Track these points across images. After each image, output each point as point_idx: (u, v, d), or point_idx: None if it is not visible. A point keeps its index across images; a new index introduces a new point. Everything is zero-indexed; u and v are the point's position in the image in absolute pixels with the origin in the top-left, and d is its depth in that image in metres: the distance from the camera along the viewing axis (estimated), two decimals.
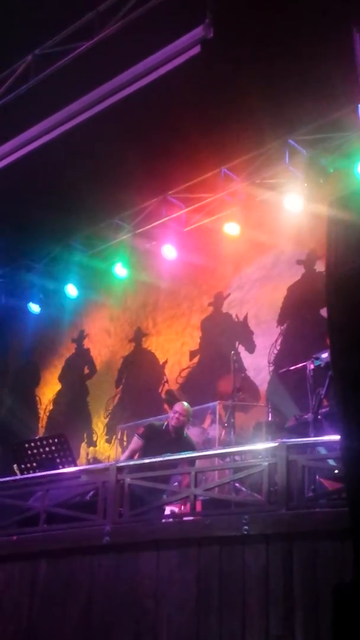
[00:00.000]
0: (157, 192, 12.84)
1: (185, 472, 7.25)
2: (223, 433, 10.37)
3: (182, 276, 13.85)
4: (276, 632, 5.55)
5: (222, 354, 12.18)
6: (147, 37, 8.60)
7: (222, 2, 8.15)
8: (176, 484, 8.51)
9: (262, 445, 7.23)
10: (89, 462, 13.87)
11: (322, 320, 10.36)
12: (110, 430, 14.19)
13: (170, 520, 7.45)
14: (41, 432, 15.40)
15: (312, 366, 8.29)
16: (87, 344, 15.54)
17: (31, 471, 8.60)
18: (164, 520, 7.20)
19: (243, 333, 12.59)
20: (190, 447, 9.00)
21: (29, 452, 8.71)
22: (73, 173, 11.18)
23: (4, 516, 7.91)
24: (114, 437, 13.78)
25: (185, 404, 9.29)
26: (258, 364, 12.19)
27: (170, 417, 9.14)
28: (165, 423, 9.18)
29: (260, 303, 12.56)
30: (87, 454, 14.36)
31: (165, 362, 13.83)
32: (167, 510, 8.01)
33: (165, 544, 6.41)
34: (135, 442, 9.12)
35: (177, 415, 9.04)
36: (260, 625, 5.63)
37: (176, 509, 7.94)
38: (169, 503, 7.76)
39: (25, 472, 8.62)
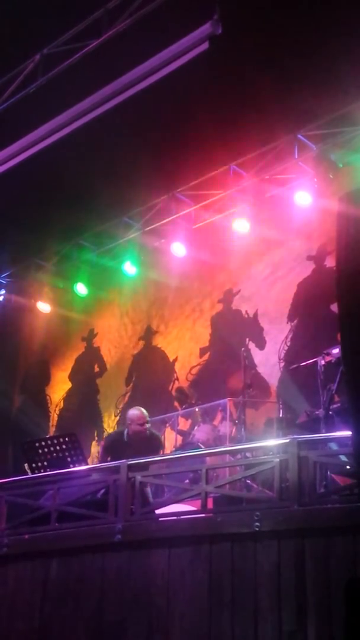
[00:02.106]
0: (166, 189, 12.85)
1: (196, 469, 7.22)
2: (234, 430, 10.37)
3: (192, 273, 13.84)
4: (289, 628, 5.53)
5: (233, 351, 12.17)
6: (155, 35, 8.59)
7: None
8: (187, 481, 8.50)
9: (273, 442, 7.21)
10: (100, 447, 13.87)
11: (333, 316, 10.33)
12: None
13: (182, 517, 7.43)
14: (52, 430, 15.42)
15: (322, 362, 8.27)
16: (97, 342, 15.55)
17: (42, 470, 8.59)
18: (175, 518, 7.18)
19: (253, 329, 12.57)
20: (159, 443, 9.06)
21: (40, 451, 8.70)
22: (82, 172, 11.19)
23: (15, 515, 7.91)
24: None
25: (142, 409, 9.10)
26: (268, 360, 12.18)
27: (129, 426, 8.96)
28: (125, 431, 9.04)
29: (270, 299, 12.55)
30: (98, 452, 14.36)
31: (176, 359, 13.83)
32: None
33: (176, 541, 6.39)
34: (102, 456, 9.16)
35: (138, 422, 8.88)
36: (273, 621, 5.62)
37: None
38: (181, 500, 7.75)
39: (36, 471, 8.61)
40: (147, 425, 8.90)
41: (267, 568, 5.80)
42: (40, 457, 8.64)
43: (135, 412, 9.03)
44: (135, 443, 8.68)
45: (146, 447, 8.58)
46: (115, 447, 8.94)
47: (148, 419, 8.98)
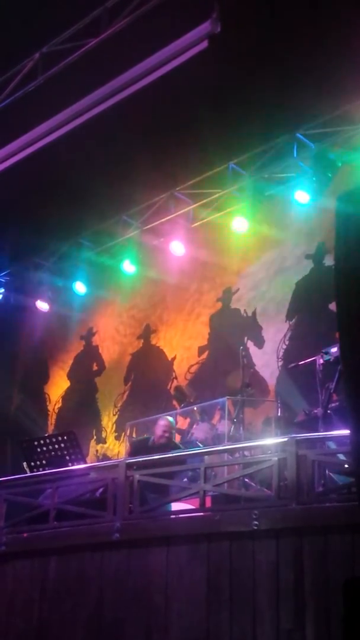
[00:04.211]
0: (165, 188, 12.84)
1: (194, 467, 7.24)
2: (232, 428, 10.36)
3: (191, 272, 13.84)
4: (287, 627, 5.54)
5: (231, 350, 12.17)
6: (154, 33, 8.59)
7: None
8: (185, 479, 8.51)
9: (272, 441, 7.22)
10: (98, 459, 13.88)
11: (331, 315, 10.33)
12: (119, 427, 14.20)
13: (180, 516, 7.43)
14: (50, 429, 15.42)
15: (321, 361, 8.27)
16: (95, 341, 15.55)
17: (41, 469, 8.59)
18: (173, 516, 7.19)
19: (252, 328, 12.57)
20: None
21: (39, 449, 8.70)
22: (81, 170, 11.18)
23: (14, 513, 7.92)
24: (123, 433, 13.78)
25: (171, 419, 9.40)
26: (267, 359, 12.18)
27: (156, 433, 9.16)
28: (152, 437, 9.22)
29: (269, 298, 12.55)
30: (97, 451, 14.37)
31: (174, 358, 13.83)
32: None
33: (175, 539, 6.40)
34: None
35: (162, 429, 9.06)
36: (271, 620, 5.63)
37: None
38: (179, 499, 7.75)
39: (35, 470, 8.62)
40: (168, 435, 9.06)
41: (265, 566, 5.81)
42: (39, 456, 8.64)
43: (163, 421, 9.28)
44: (159, 450, 8.73)
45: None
46: (140, 452, 8.99)
47: (173, 429, 9.24)
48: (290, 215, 12.21)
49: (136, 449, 9.27)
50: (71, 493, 7.59)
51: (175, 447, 9.14)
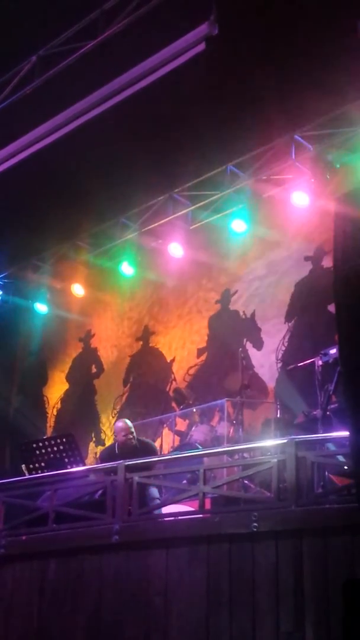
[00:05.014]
0: (163, 190, 12.83)
1: (193, 469, 7.23)
2: (231, 430, 10.37)
3: (189, 274, 13.84)
4: (287, 629, 5.54)
5: (230, 351, 12.18)
6: (151, 36, 8.59)
7: None
8: (185, 482, 8.50)
9: (271, 442, 7.21)
10: (97, 462, 13.88)
11: (330, 316, 10.34)
12: None
13: (180, 518, 7.43)
14: (49, 431, 15.41)
15: (320, 362, 8.27)
16: (94, 343, 15.54)
17: (39, 471, 8.60)
18: (172, 518, 7.19)
19: (250, 330, 12.57)
20: (151, 449, 9.04)
21: (37, 452, 8.71)
22: (79, 172, 11.18)
23: (13, 516, 7.92)
24: None
25: (126, 420, 9.28)
26: (266, 360, 12.18)
27: (118, 439, 9.10)
28: (115, 444, 9.19)
29: (267, 300, 12.55)
30: (96, 453, 14.35)
31: (173, 360, 13.83)
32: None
33: (174, 542, 6.40)
34: None
35: (122, 434, 8.99)
36: (271, 622, 5.62)
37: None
38: (179, 501, 7.75)
39: (34, 472, 8.63)
40: (131, 436, 8.96)
41: (265, 568, 5.81)
42: (38, 458, 8.65)
43: (119, 424, 9.19)
44: (126, 454, 8.66)
45: (136, 456, 8.58)
46: (109, 460, 8.95)
47: (132, 429, 9.06)
48: (288, 216, 12.21)
49: (102, 459, 9.18)
50: (70, 495, 7.58)
51: (147, 446, 9.10)
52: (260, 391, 11.78)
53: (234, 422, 10.46)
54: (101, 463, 9.12)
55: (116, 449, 9.03)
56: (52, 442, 8.77)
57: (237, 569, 5.95)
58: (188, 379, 13.39)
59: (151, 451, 8.99)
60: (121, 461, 7.19)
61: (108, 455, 9.15)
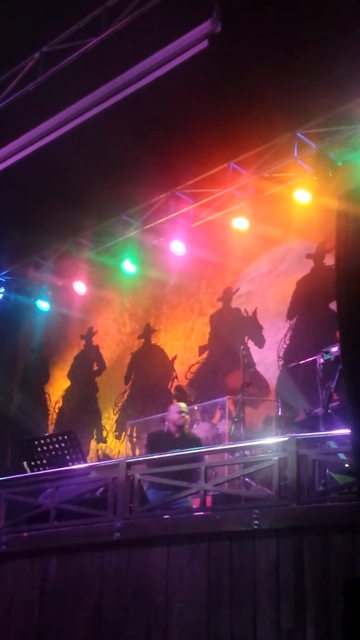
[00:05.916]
0: (165, 187, 12.83)
1: (195, 467, 7.23)
2: (233, 428, 10.36)
3: (191, 272, 13.84)
4: (287, 626, 5.54)
5: (232, 349, 12.17)
6: (154, 33, 8.58)
7: None
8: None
9: (272, 440, 7.22)
10: (98, 459, 13.89)
11: (332, 314, 10.34)
12: (119, 426, 14.20)
13: (181, 515, 7.44)
14: (51, 429, 15.42)
15: (321, 360, 8.27)
16: (96, 340, 15.55)
17: (41, 468, 8.59)
18: (174, 516, 7.19)
19: (252, 328, 12.57)
20: (196, 442, 9.00)
21: (39, 449, 8.70)
22: (81, 170, 11.16)
23: (14, 513, 7.92)
24: (124, 433, 13.79)
25: (181, 403, 9.47)
26: (267, 358, 12.18)
27: (170, 418, 9.18)
28: (166, 428, 9.21)
29: (269, 297, 12.55)
30: (97, 451, 14.37)
31: (175, 357, 13.83)
32: None
33: (175, 539, 6.40)
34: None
35: (177, 415, 9.06)
36: (271, 619, 5.63)
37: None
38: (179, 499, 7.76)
39: (35, 469, 8.62)
40: (185, 415, 9.15)
41: (265, 566, 5.81)
42: (39, 455, 8.64)
43: (179, 405, 9.34)
44: (177, 435, 8.94)
45: (183, 442, 8.71)
46: (156, 439, 9.10)
47: (186, 410, 9.25)
48: (290, 214, 12.20)
49: (151, 442, 9.22)
50: (71, 492, 7.59)
51: (194, 438, 9.15)
52: (261, 389, 11.78)
53: (235, 419, 10.44)
54: (149, 445, 9.15)
55: (165, 429, 9.20)
56: (54, 440, 8.76)
57: (238, 567, 5.95)
58: (190, 377, 13.40)
59: (196, 443, 9.01)
60: (123, 458, 7.19)
61: (158, 436, 9.24)
